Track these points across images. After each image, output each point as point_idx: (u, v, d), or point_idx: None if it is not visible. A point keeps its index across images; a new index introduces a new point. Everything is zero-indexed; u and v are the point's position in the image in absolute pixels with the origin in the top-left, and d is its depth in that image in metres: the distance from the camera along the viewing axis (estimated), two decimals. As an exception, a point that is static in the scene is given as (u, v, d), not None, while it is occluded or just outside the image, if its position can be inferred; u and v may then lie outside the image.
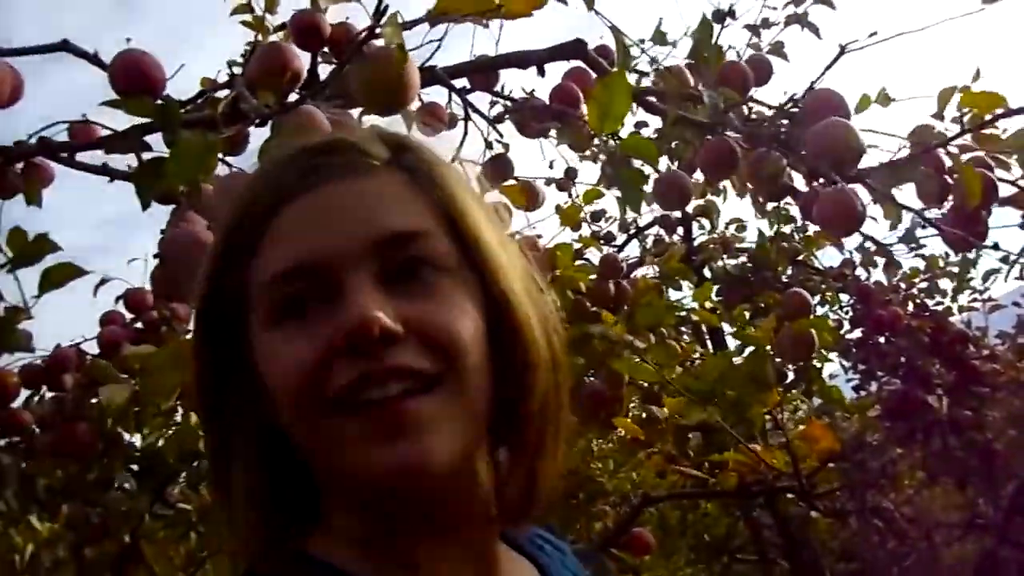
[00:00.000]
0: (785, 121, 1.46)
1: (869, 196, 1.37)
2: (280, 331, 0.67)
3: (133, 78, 1.31)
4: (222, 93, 1.66)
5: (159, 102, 1.22)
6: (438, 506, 0.71)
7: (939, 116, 1.39)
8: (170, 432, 2.19)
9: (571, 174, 3.96)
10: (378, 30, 1.19)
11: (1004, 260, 3.74)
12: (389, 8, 1.21)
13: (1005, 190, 1.48)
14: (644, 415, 2.68)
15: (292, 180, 0.69)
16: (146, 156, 1.21)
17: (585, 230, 4.26)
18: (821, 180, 1.39)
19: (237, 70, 1.75)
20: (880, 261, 3.98)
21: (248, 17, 1.90)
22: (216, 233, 0.75)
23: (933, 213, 1.47)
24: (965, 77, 1.40)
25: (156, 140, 1.34)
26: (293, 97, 1.45)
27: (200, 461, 2.23)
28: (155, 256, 1.34)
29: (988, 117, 1.36)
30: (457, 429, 0.66)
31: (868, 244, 3.75)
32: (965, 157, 1.36)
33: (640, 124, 3.32)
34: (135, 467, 2.16)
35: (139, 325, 2.25)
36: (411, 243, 0.68)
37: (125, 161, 1.56)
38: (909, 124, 1.41)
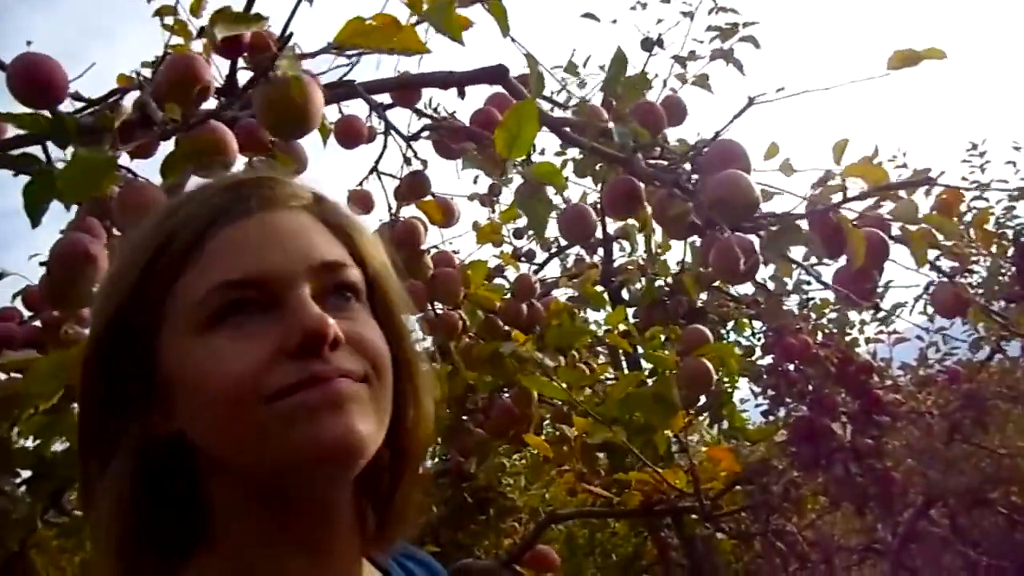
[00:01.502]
0: (689, 167, 1.50)
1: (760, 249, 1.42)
2: (219, 334, 0.71)
3: (32, 83, 1.27)
4: (133, 95, 1.63)
5: (53, 115, 1.19)
6: (332, 504, 0.77)
7: (836, 163, 1.45)
8: (56, 433, 2.11)
9: (495, 190, 3.99)
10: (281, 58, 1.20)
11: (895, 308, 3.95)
12: (293, 36, 1.22)
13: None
14: (556, 433, 2.71)
15: (228, 205, 0.75)
16: (38, 168, 1.17)
17: (507, 247, 4.29)
18: (718, 227, 1.42)
19: (148, 72, 1.73)
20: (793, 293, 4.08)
21: (170, 20, 1.86)
22: (134, 248, 0.77)
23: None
24: (867, 133, 1.46)
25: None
26: (207, 106, 1.44)
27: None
28: (41, 264, 1.31)
29: (870, 190, 1.43)
30: (373, 420, 0.73)
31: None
32: (853, 215, 1.42)
33: (564, 147, 3.37)
34: (28, 472, 2.09)
35: (36, 323, 2.18)
36: (338, 271, 0.76)
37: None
38: (811, 177, 1.47)
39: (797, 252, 1.49)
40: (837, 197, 1.42)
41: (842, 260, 1.48)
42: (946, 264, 1.80)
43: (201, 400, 0.71)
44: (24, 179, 1.58)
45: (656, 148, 1.57)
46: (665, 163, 1.54)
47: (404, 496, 0.82)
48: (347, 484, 0.77)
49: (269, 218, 0.75)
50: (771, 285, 4.17)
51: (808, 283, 4.24)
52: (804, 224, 1.40)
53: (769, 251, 1.41)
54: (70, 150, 1.30)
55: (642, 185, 1.49)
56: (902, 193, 1.52)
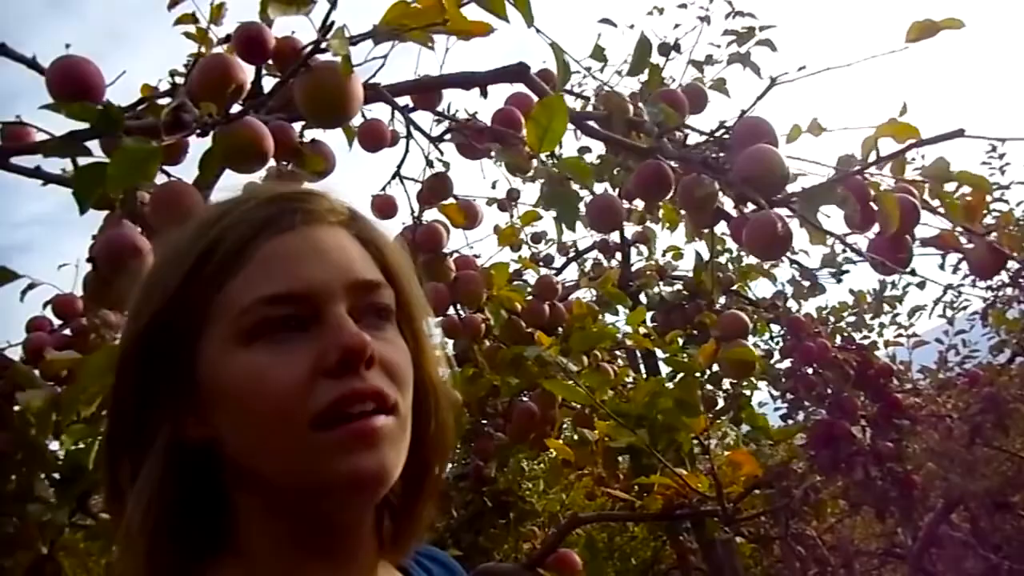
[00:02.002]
0: (716, 147, 1.50)
1: (797, 221, 1.42)
2: (261, 349, 0.73)
3: (72, 83, 1.29)
4: (163, 101, 1.65)
5: (100, 107, 1.21)
6: (356, 521, 0.79)
7: (874, 146, 1.44)
8: (94, 440, 2.13)
9: (513, 195, 4.00)
10: (324, 44, 1.21)
11: (920, 286, 3.89)
12: (336, 23, 1.22)
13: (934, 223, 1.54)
14: (576, 437, 2.70)
15: (272, 217, 0.77)
16: (84, 161, 1.19)
17: (525, 251, 4.31)
18: (749, 205, 1.43)
19: (179, 80, 1.75)
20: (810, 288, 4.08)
21: (191, 28, 1.88)
22: (177, 251, 0.78)
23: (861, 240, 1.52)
24: (893, 110, 1.46)
25: (93, 145, 1.33)
26: (236, 109, 1.45)
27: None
28: (88, 260, 1.32)
29: (899, 147, 1.42)
30: (401, 450, 0.76)
31: (798, 276, 3.83)
32: (885, 185, 1.42)
33: (583, 149, 3.38)
34: (56, 476, 2.10)
35: (67, 332, 2.20)
36: (375, 290, 0.78)
37: (59, 165, 1.54)
38: (836, 154, 1.47)
39: (827, 225, 1.47)
40: (872, 156, 1.41)
41: (873, 233, 1.47)
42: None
43: (246, 415, 0.73)
44: (48, 187, 1.62)
45: (679, 133, 1.58)
46: (690, 148, 1.54)
47: (421, 507, 0.85)
48: (372, 505, 0.79)
49: (311, 233, 0.77)
50: (790, 290, 4.19)
51: (840, 266, 4.16)
52: (837, 186, 1.39)
53: (804, 212, 1.40)
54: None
55: (670, 171, 1.49)
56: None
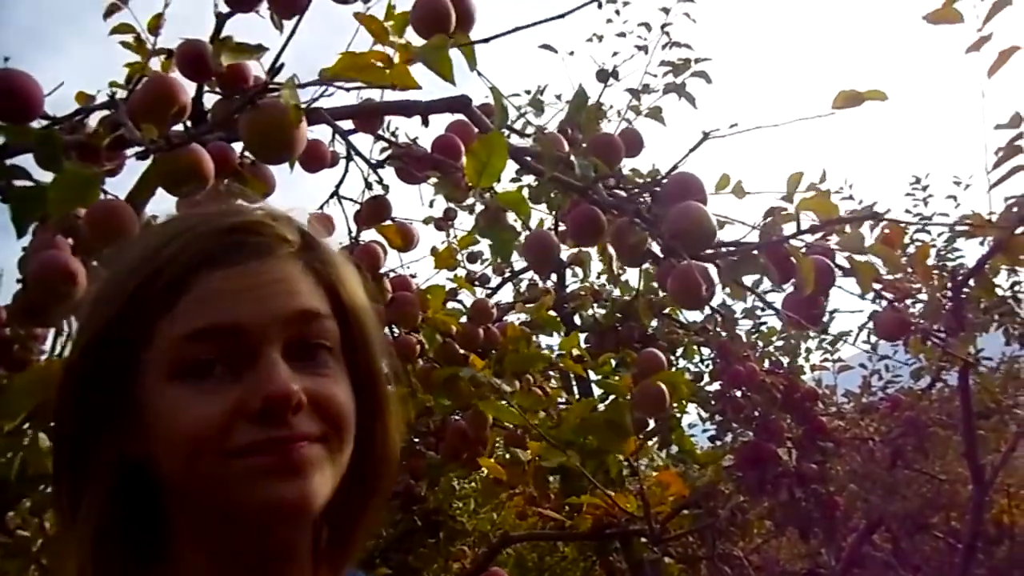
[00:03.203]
0: (648, 197, 1.55)
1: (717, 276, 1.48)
2: (182, 387, 0.74)
3: (12, 99, 1.28)
4: (101, 114, 1.64)
5: (40, 128, 1.20)
6: (287, 544, 0.79)
7: (788, 199, 1.51)
8: (11, 455, 2.08)
9: (450, 215, 4.03)
10: (273, 86, 1.22)
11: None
12: (285, 65, 1.25)
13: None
14: (507, 456, 2.73)
15: (216, 251, 0.77)
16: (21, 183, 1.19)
17: (461, 271, 4.32)
18: (675, 255, 1.48)
19: (118, 92, 1.73)
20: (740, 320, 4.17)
21: (128, 38, 1.86)
22: (120, 274, 0.79)
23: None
24: (816, 164, 1.53)
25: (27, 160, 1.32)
26: (177, 128, 1.45)
27: (48, 486, 2.13)
28: (18, 281, 1.31)
29: (822, 223, 1.50)
30: (329, 478, 0.76)
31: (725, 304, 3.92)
32: (803, 244, 1.48)
33: (521, 171, 3.42)
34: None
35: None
36: (313, 321, 0.78)
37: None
38: (763, 205, 1.54)
39: (748, 279, 1.55)
40: (790, 228, 1.48)
41: (791, 287, 1.54)
42: (889, 295, 1.87)
43: (166, 445, 0.74)
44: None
45: (614, 179, 1.62)
46: (624, 193, 1.60)
47: (363, 525, 0.86)
48: (301, 530, 0.80)
49: (256, 267, 0.77)
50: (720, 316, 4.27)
51: (762, 309, 4.32)
52: (758, 254, 1.46)
53: (725, 278, 1.47)
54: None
55: (602, 216, 1.54)
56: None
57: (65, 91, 1.74)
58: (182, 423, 0.72)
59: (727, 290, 1.63)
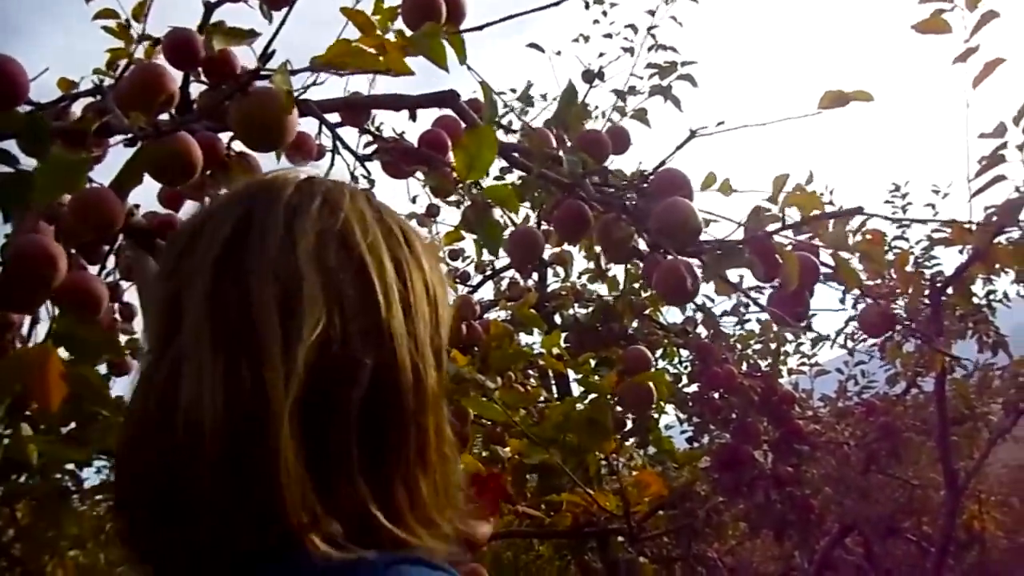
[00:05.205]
0: (635, 194, 1.56)
1: (702, 272, 1.49)
2: None
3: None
4: (85, 101, 1.63)
5: (27, 112, 1.19)
6: None
7: (774, 200, 1.52)
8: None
9: (432, 211, 4.02)
10: (264, 73, 1.22)
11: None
12: (276, 53, 1.24)
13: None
14: (485, 453, 2.73)
15: None
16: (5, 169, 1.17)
17: (443, 267, 4.31)
18: (661, 251, 1.49)
19: (104, 79, 1.72)
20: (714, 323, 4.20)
21: (111, 23, 1.84)
22: None
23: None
24: (798, 169, 1.55)
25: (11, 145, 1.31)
26: (164, 117, 1.44)
27: (24, 475, 2.10)
28: (-1, 264, 1.30)
29: (810, 215, 1.51)
30: None
31: (706, 306, 3.95)
32: (789, 241, 1.49)
33: (505, 169, 3.42)
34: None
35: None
36: None
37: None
38: (748, 204, 1.55)
39: (732, 276, 1.55)
40: (775, 225, 1.49)
41: (776, 283, 1.55)
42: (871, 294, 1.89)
43: None
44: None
45: (601, 175, 1.63)
46: (611, 189, 1.60)
47: None
48: None
49: None
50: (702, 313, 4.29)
51: (745, 307, 4.36)
52: (744, 249, 1.47)
53: (710, 273, 1.48)
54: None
55: (589, 212, 1.55)
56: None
57: (44, 79, 1.73)
58: None
59: (711, 284, 1.63)
